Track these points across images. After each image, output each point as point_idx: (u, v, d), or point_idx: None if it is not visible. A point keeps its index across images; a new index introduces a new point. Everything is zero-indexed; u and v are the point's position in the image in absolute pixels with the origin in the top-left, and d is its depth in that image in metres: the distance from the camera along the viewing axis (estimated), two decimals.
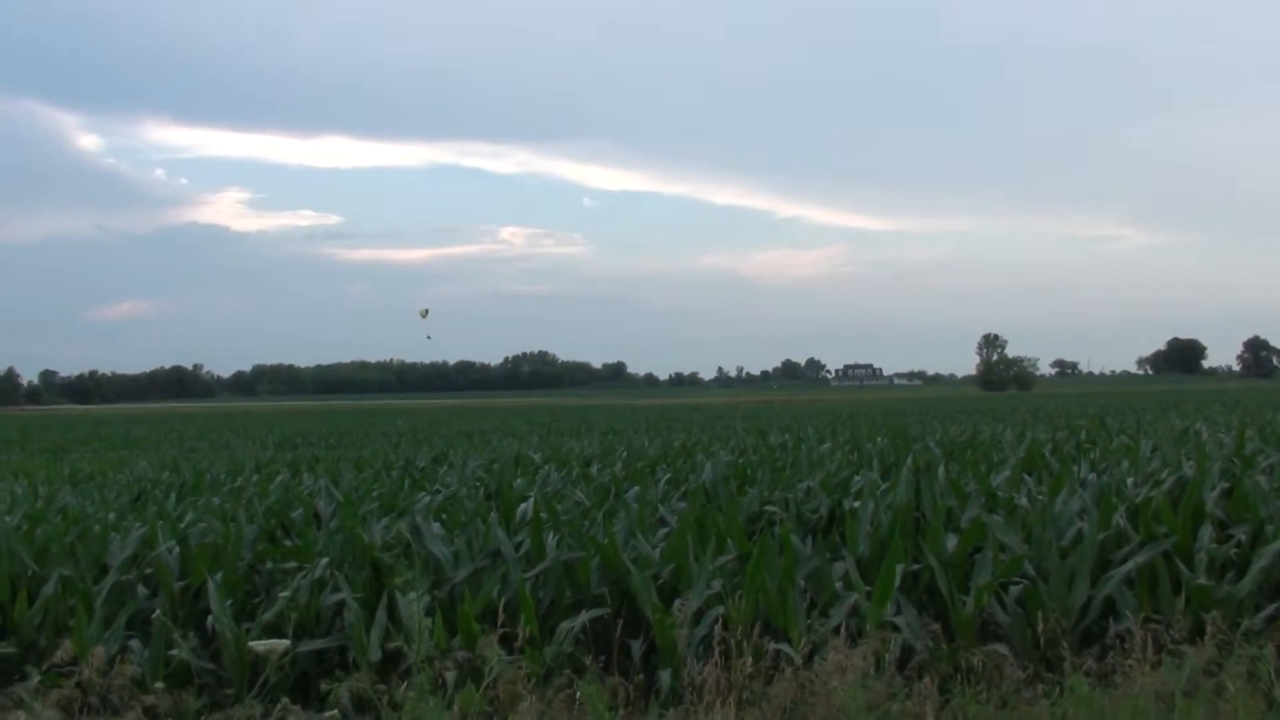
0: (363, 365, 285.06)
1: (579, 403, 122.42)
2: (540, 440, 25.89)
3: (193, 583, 7.62)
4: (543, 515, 8.48)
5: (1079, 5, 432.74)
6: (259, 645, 6.04)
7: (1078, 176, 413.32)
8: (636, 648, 6.54)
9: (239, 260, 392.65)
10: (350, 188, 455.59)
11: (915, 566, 7.24)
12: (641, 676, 6.30)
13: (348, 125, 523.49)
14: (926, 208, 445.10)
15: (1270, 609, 6.43)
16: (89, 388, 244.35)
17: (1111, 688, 5.42)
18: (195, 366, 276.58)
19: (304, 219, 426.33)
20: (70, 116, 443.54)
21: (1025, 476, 10.81)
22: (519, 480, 12.26)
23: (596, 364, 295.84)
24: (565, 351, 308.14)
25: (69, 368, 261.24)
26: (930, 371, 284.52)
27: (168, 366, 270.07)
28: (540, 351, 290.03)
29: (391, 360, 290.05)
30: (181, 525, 9.14)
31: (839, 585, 6.90)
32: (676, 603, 6.39)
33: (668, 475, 12.41)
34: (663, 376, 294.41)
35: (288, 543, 8.65)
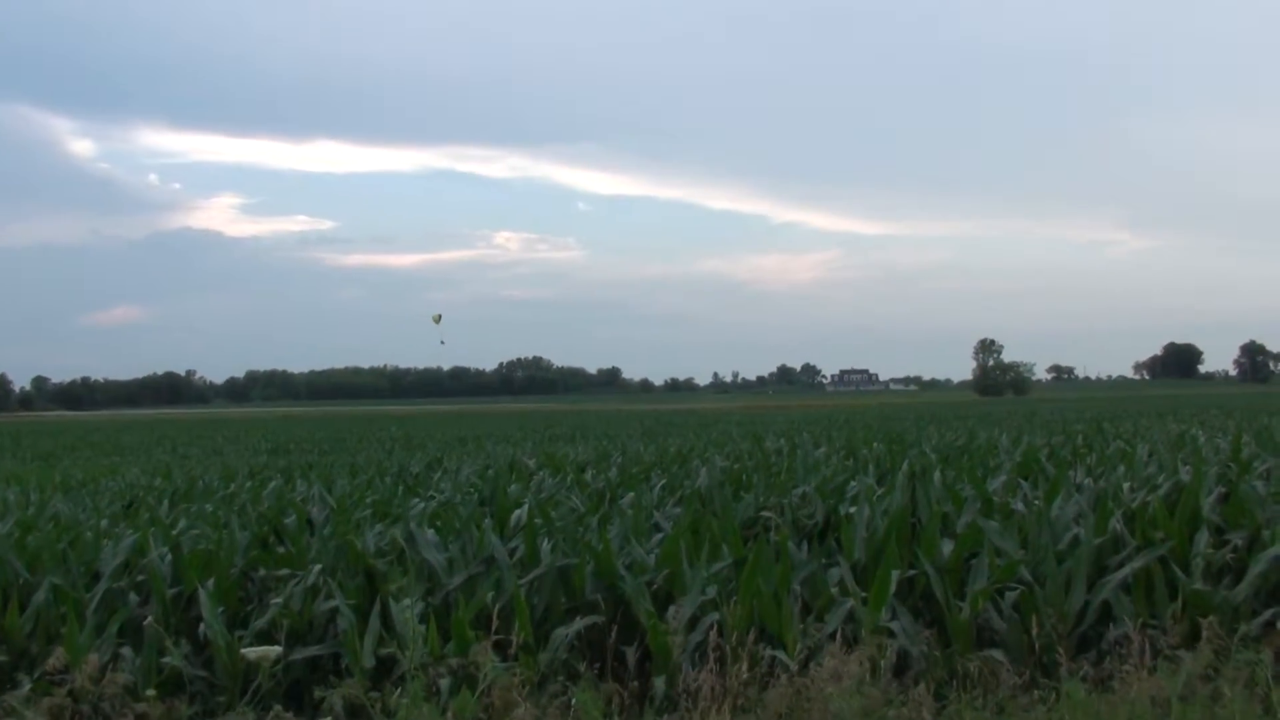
0: (356, 371, 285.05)
1: (573, 408, 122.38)
2: (535, 446, 25.87)
3: (185, 590, 7.61)
4: (537, 521, 8.47)
5: (1076, 6, 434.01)
6: (251, 652, 6.03)
7: (1074, 180, 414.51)
8: (631, 654, 6.53)
9: (232, 266, 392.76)
10: (344, 193, 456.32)
11: (911, 572, 7.24)
12: (636, 683, 6.29)
13: (341, 130, 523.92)
14: (922, 212, 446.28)
15: (1267, 614, 6.44)
16: (81, 394, 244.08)
17: (1108, 693, 5.42)
18: (188, 372, 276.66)
19: (297, 224, 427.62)
20: (63, 121, 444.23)
21: (1021, 482, 10.82)
22: (513, 486, 12.25)
23: (591, 369, 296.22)
24: (560, 357, 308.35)
25: (61, 374, 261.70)
26: (926, 376, 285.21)
27: (160, 372, 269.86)
28: (535, 357, 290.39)
29: (385, 366, 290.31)
30: (174, 532, 9.12)
31: (834, 591, 6.90)
32: (671, 609, 6.38)
33: (663, 481, 12.40)
34: (658, 382, 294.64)
35: (280, 549, 8.64)
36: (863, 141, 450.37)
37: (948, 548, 7.47)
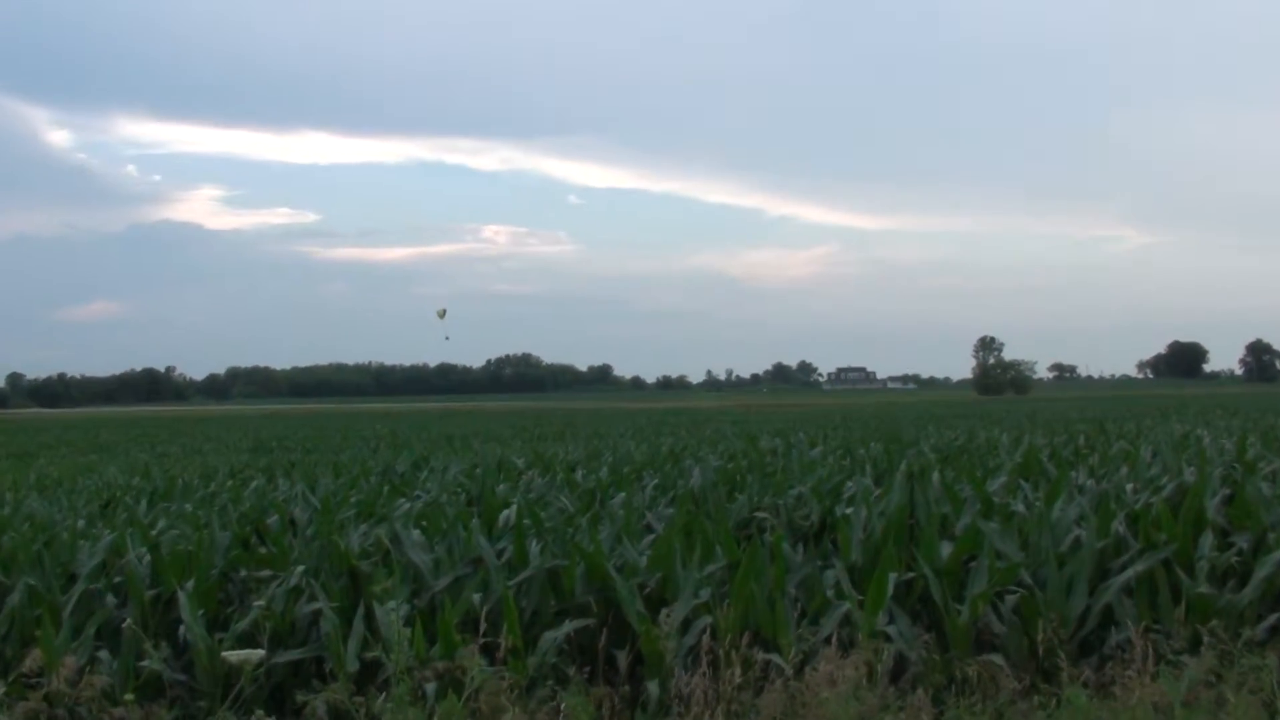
0: (340, 368, 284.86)
1: (563, 406, 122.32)
2: (523, 445, 25.85)
3: (164, 591, 7.60)
4: (526, 522, 8.47)
5: (1078, 0, 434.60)
6: (233, 656, 6.02)
7: (1076, 175, 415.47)
8: (622, 658, 6.54)
9: (213, 259, 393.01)
10: (328, 185, 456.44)
11: (909, 575, 7.25)
12: (627, 688, 6.30)
13: (326, 120, 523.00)
14: (922, 207, 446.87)
15: (1272, 618, 6.46)
16: (57, 391, 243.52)
17: (1110, 699, 5.44)
18: (167, 369, 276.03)
19: (280, 217, 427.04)
20: (39, 111, 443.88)
21: (1022, 482, 10.84)
22: (501, 486, 12.25)
23: (582, 366, 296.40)
24: (549, 354, 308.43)
25: (37, 370, 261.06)
26: (925, 375, 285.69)
27: (139, 369, 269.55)
28: (524, 354, 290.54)
29: (370, 362, 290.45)
30: (152, 532, 9.12)
31: (830, 594, 6.91)
32: (663, 612, 6.39)
33: (655, 481, 12.41)
34: (650, 380, 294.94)
35: (262, 550, 8.63)
36: (861, 135, 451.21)
37: (946, 550, 7.48)
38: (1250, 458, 12.34)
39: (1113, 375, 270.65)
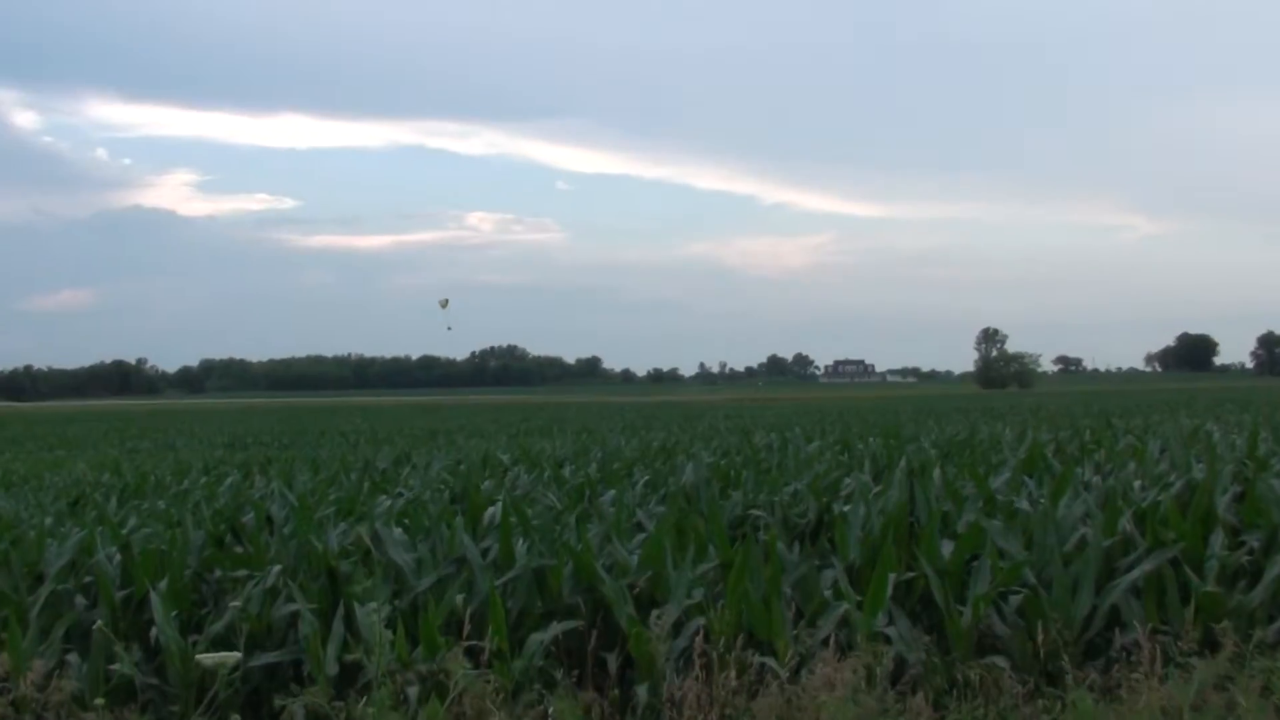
0: (319, 360, 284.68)
1: (551, 400, 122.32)
2: (509, 440, 25.85)
3: (135, 592, 7.58)
4: (512, 520, 8.47)
5: None
6: (207, 659, 6.02)
7: (1084, 161, 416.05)
8: (612, 661, 6.54)
9: (186, 247, 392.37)
10: (307, 170, 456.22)
11: (909, 574, 7.27)
12: (617, 692, 6.31)
13: (305, 103, 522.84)
14: (922, 194, 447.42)
15: None
16: (23, 383, 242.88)
17: (1117, 702, 5.45)
18: (138, 361, 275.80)
19: (257, 203, 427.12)
20: (5, 92, 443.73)
21: (1026, 479, 10.85)
22: (486, 483, 12.24)
23: (570, 359, 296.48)
24: (536, 346, 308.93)
25: (1, 362, 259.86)
26: (925, 368, 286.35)
27: (108, 361, 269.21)
28: (509, 345, 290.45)
29: (350, 355, 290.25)
30: (123, 531, 9.09)
31: (828, 594, 6.92)
32: (654, 613, 6.39)
33: (645, 477, 12.41)
34: (640, 373, 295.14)
35: (238, 549, 8.63)
36: (860, 119, 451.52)
37: (948, 549, 7.49)
38: (1262, 454, 12.37)
39: (1120, 368, 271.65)
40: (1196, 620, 6.39)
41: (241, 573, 7.77)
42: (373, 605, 6.01)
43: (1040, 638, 6.27)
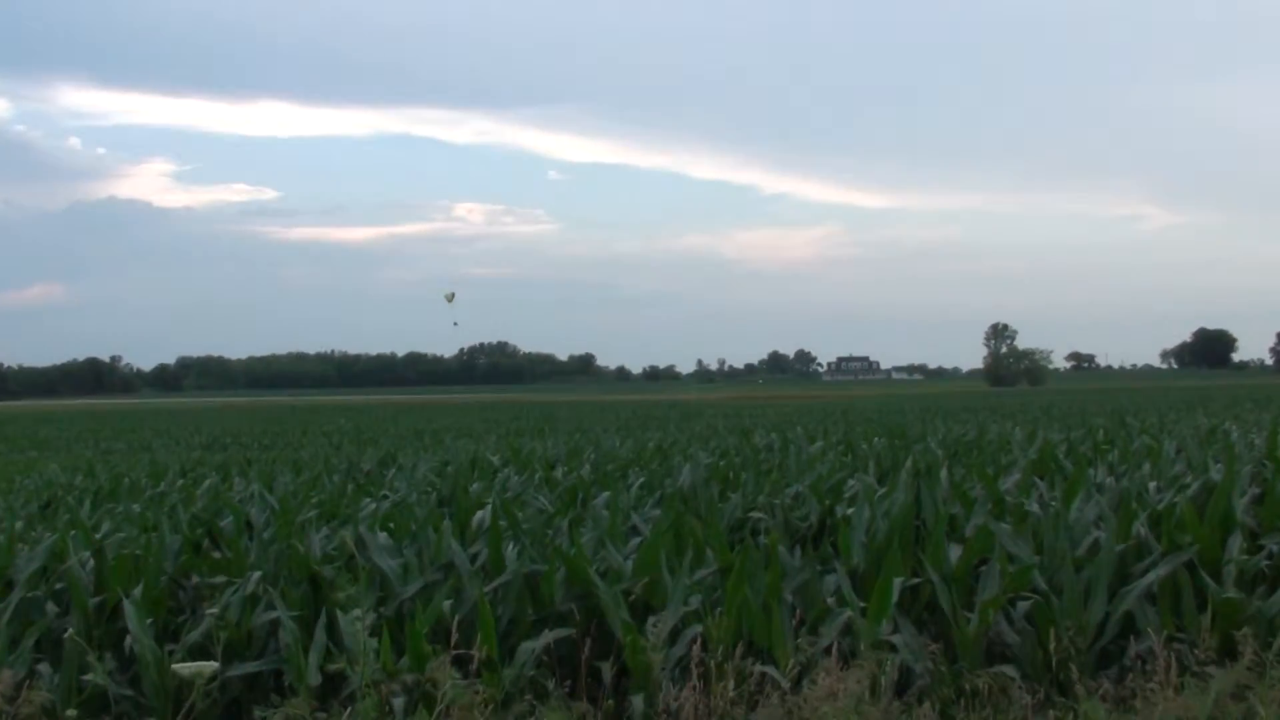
0: (301, 357, 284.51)
1: (542, 399, 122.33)
2: (499, 441, 25.86)
3: (109, 599, 7.57)
4: (501, 524, 8.47)
5: None
6: (184, 669, 6.01)
7: (1098, 149, 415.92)
8: (606, 670, 6.55)
9: (162, 240, 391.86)
10: (288, 159, 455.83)
11: (915, 580, 7.27)
12: (611, 702, 6.31)
13: (286, 89, 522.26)
14: (930, 183, 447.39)
15: None
16: None
17: (1130, 713, 5.47)
18: (113, 359, 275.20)
19: (236, 194, 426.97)
20: None
21: (1036, 480, 10.88)
22: (475, 485, 12.25)
23: (562, 356, 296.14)
24: (527, 342, 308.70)
25: None
26: (932, 365, 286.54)
27: (82, 358, 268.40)
28: (499, 342, 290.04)
29: (333, 352, 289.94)
30: (97, 535, 9.09)
31: (830, 601, 6.93)
32: (650, 621, 6.39)
33: (641, 479, 12.42)
34: (636, 370, 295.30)
35: (216, 554, 8.62)
36: (865, 105, 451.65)
37: (955, 553, 7.50)
38: None
39: (1134, 365, 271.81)
40: (1214, 627, 6.40)
41: (220, 579, 7.76)
42: (356, 613, 6.01)
43: (1051, 646, 6.28)
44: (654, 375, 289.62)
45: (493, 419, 47.55)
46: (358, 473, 15.92)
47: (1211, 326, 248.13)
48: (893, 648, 6.29)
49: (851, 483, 10.97)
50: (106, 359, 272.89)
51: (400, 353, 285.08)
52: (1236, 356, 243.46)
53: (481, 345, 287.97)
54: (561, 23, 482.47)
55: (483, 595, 6.79)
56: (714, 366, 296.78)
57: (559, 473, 14.04)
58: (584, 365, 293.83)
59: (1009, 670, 6.19)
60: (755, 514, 9.78)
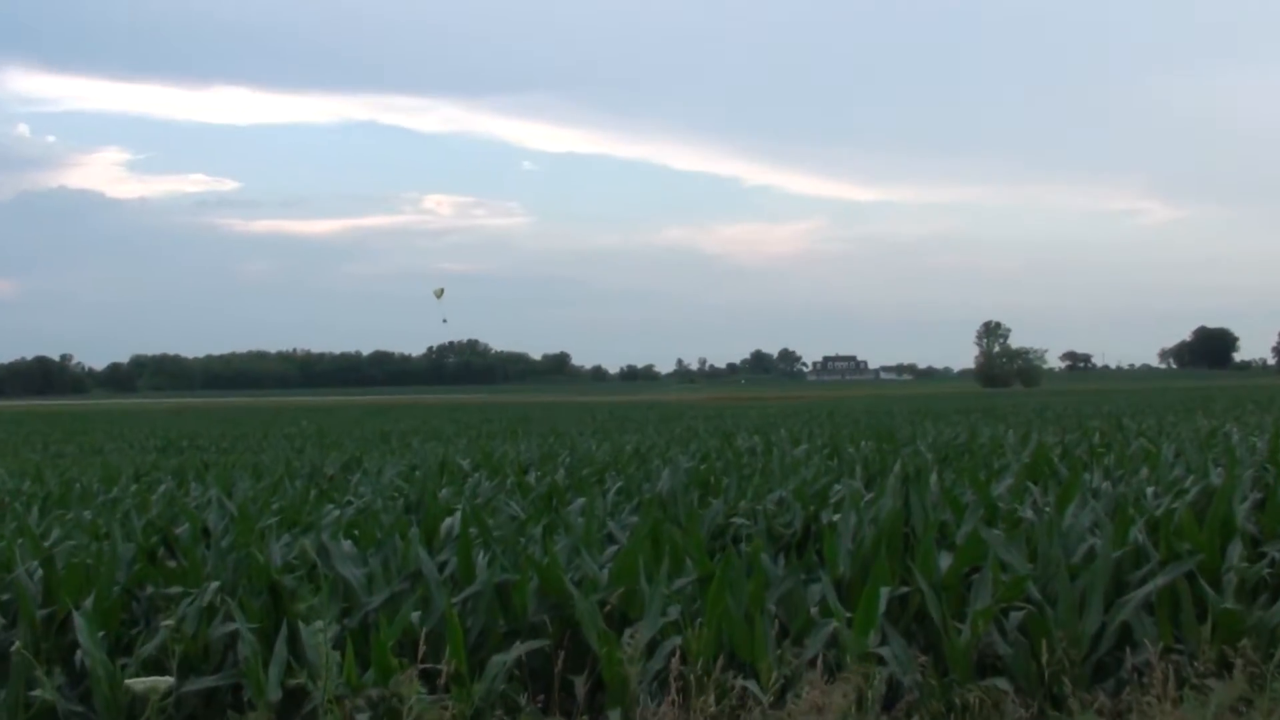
0: (261, 356, 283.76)
1: (514, 400, 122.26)
2: (469, 444, 25.83)
3: (59, 611, 7.54)
4: (471, 531, 8.46)
5: None
6: (137, 684, 5.99)
7: (1095, 141, 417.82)
8: (580, 684, 6.54)
9: (116, 232, 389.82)
10: (248, 148, 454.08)
11: (903, 589, 7.29)
12: (586, 717, 6.31)
13: (246, 75, 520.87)
14: (920, 176, 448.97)
15: None
16: None
17: None
18: (63, 357, 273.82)
19: (194, 184, 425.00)
20: None
21: (1030, 485, 10.91)
22: (444, 490, 12.23)
23: (535, 355, 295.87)
24: (499, 340, 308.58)
25: None
26: (922, 365, 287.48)
27: (30, 357, 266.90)
28: (470, 341, 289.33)
29: (295, 350, 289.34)
30: (45, 543, 9.05)
31: (815, 611, 6.94)
32: (627, 632, 6.40)
33: (618, 484, 12.42)
34: (613, 370, 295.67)
35: (171, 563, 8.59)
36: (854, 94, 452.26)
37: (945, 561, 7.52)
38: None
39: (1132, 365, 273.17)
40: (1213, 639, 6.44)
41: (175, 589, 7.73)
42: (319, 624, 6.00)
43: (1045, 658, 6.30)
44: (632, 375, 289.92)
45: (463, 421, 47.49)
46: (321, 477, 15.88)
47: (1212, 325, 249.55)
48: (880, 660, 6.31)
49: (837, 488, 10.98)
50: (56, 358, 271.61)
51: (366, 351, 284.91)
52: (1238, 356, 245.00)
53: (451, 344, 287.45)
54: (536, 6, 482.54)
55: (451, 606, 6.78)
56: (694, 366, 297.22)
57: (532, 477, 14.03)
58: (558, 365, 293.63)
59: (1001, 683, 6.22)
60: (737, 520, 9.79)
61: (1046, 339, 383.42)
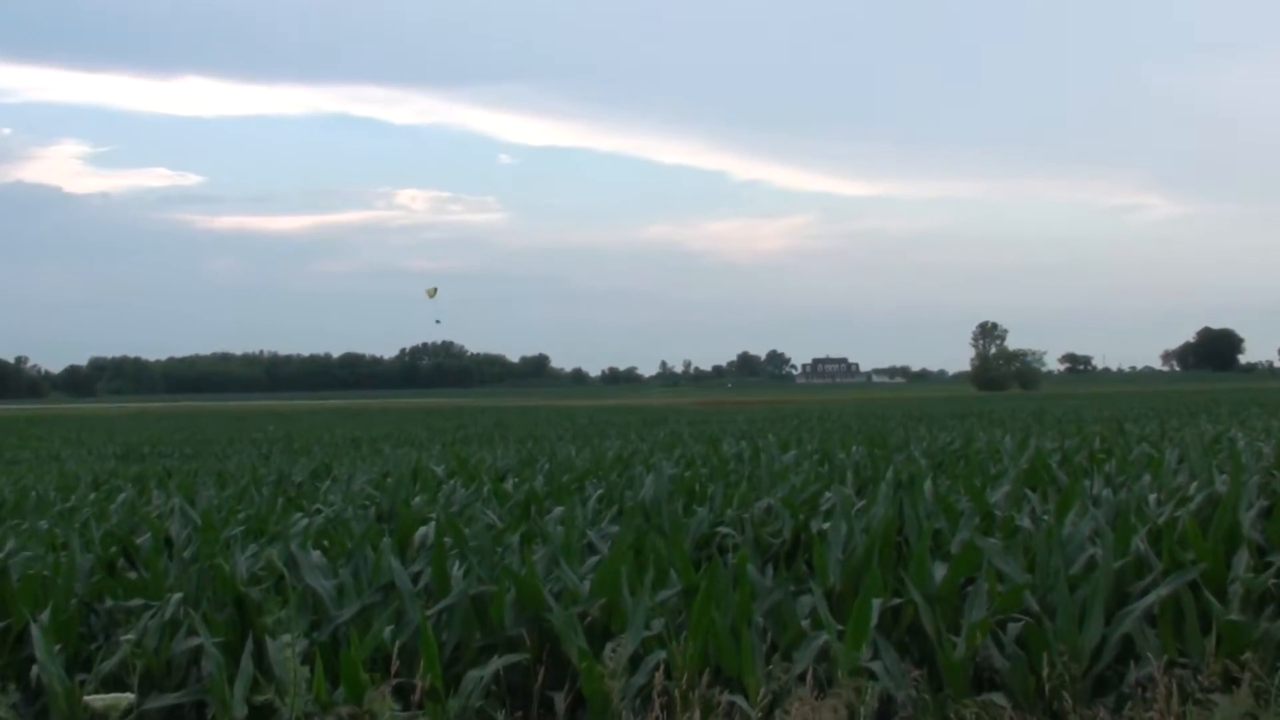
0: (226, 358, 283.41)
1: (491, 404, 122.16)
2: (444, 449, 25.80)
3: (14, 624, 7.53)
4: (446, 541, 8.45)
5: None
6: (96, 700, 5.96)
7: (1095, 134, 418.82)
8: (560, 701, 6.55)
9: (75, 229, 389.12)
10: (214, 141, 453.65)
11: (896, 601, 7.30)
12: None
13: (212, 65, 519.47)
14: (914, 170, 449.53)
15: None
16: None
17: None
18: (18, 359, 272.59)
19: (157, 179, 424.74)
20: None
21: (1028, 492, 10.93)
22: (418, 498, 12.21)
23: (513, 357, 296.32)
24: (475, 342, 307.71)
25: None
26: (916, 367, 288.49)
27: None
28: (445, 342, 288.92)
29: (261, 352, 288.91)
30: (0, 554, 9.01)
31: (805, 623, 6.94)
32: (609, 646, 6.40)
33: (599, 491, 12.41)
34: (594, 372, 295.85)
35: (132, 575, 8.57)
36: (843, 85, 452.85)
37: (940, 572, 7.53)
38: None
39: (1133, 367, 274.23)
40: (1218, 652, 6.46)
41: (136, 602, 7.72)
42: (287, 638, 5.99)
43: (1044, 672, 6.31)
44: (614, 378, 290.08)
45: (437, 426, 47.43)
46: (289, 485, 15.84)
47: (1216, 326, 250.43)
48: (872, 675, 6.32)
49: (828, 495, 10.99)
50: (11, 359, 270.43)
51: (335, 353, 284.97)
52: (1243, 358, 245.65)
53: (425, 345, 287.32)
54: None
55: (425, 619, 6.78)
56: (679, 369, 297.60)
57: (509, 485, 14.02)
58: (537, 367, 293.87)
59: (998, 698, 6.23)
60: (723, 529, 9.79)
61: (1045, 340, 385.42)
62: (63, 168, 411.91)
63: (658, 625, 6.80)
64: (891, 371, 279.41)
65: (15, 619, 7.54)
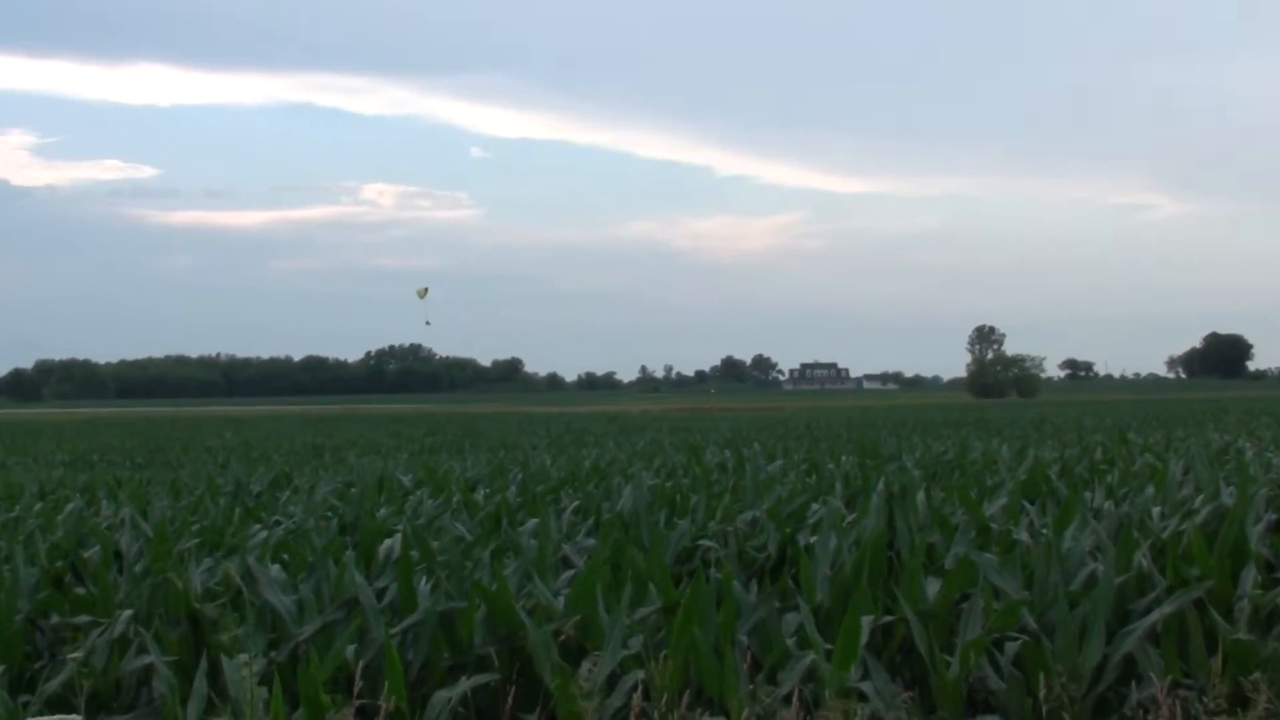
0: (181, 361, 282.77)
1: (461, 410, 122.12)
2: (411, 458, 25.77)
3: None
4: (413, 554, 8.44)
5: None
6: None
7: (1097, 130, 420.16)
8: None
9: (20, 224, 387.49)
10: (169, 132, 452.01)
11: (887, 618, 7.31)
12: None
13: (167, 51, 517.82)
14: (908, 166, 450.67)
15: None
16: None
17: None
18: None
19: (108, 171, 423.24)
20: None
21: (1026, 505, 10.96)
22: (383, 510, 12.20)
23: (484, 361, 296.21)
24: (444, 345, 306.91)
25: None
26: (909, 373, 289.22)
27: None
28: (412, 345, 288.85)
29: (218, 355, 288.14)
30: None
31: (791, 642, 6.95)
32: (584, 665, 6.40)
33: (575, 503, 12.41)
34: (570, 377, 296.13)
35: (80, 590, 8.54)
36: (835, 77, 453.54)
37: (933, 588, 7.54)
38: None
39: (1137, 374, 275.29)
40: (1224, 672, 6.48)
41: (84, 619, 7.69)
42: (243, 657, 5.98)
43: (1041, 693, 6.33)
44: (591, 384, 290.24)
45: (404, 433, 47.40)
46: (246, 495, 15.80)
47: (1224, 331, 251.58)
48: (862, 696, 6.32)
49: (816, 507, 11.01)
50: None
51: (297, 356, 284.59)
52: (1251, 365, 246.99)
53: (391, 348, 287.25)
54: None
55: (390, 637, 6.76)
56: (660, 374, 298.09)
57: (480, 495, 14.01)
58: (510, 372, 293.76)
59: None
60: (705, 543, 9.80)
61: (1044, 345, 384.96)
62: (7, 159, 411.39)
63: (636, 644, 6.80)
64: (883, 377, 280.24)
65: None
